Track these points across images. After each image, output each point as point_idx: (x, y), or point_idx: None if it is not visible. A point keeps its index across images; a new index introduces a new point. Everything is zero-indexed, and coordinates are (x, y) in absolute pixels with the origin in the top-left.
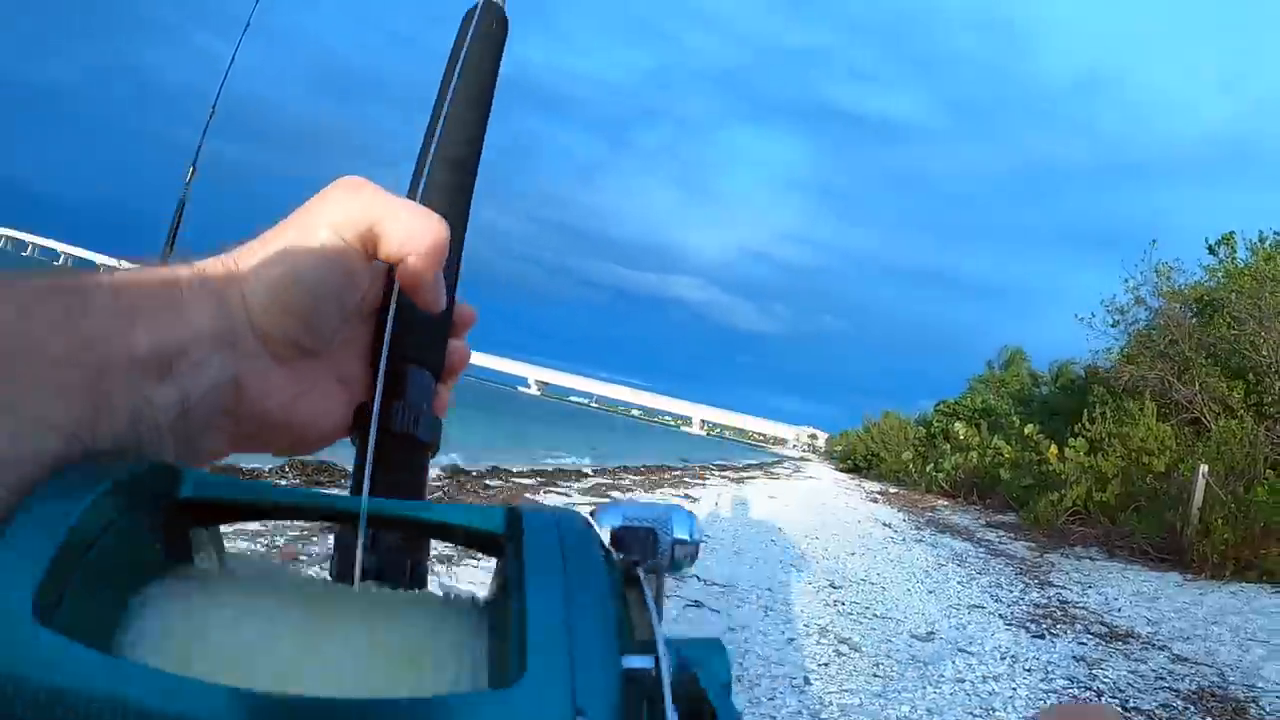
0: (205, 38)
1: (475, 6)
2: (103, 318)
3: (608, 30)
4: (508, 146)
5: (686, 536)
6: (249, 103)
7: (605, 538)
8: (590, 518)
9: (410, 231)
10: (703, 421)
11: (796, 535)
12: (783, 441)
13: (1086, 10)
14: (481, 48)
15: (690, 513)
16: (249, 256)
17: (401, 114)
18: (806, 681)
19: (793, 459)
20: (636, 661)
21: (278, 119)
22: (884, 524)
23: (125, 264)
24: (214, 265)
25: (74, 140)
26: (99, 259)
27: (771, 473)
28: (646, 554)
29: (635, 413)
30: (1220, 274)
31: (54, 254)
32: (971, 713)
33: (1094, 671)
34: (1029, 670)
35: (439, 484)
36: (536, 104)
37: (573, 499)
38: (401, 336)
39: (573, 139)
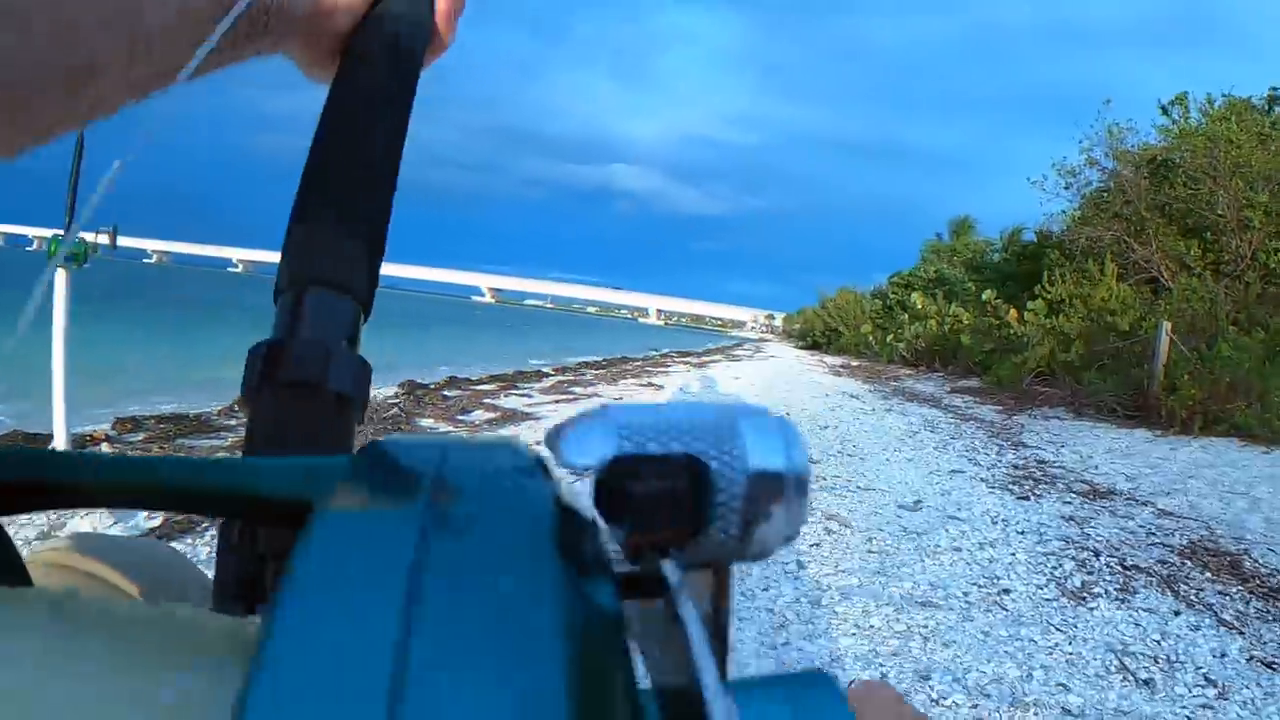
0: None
1: None
2: None
3: None
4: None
5: (780, 465)
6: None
7: (584, 490)
8: (550, 447)
9: None
10: (659, 311)
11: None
12: (741, 325)
13: None
14: None
15: (780, 417)
16: None
17: None
18: (800, 566)
19: (752, 341)
20: None
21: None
22: (851, 395)
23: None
24: None
25: None
26: (31, 231)
27: (733, 355)
28: (683, 512)
29: (591, 309)
30: (1174, 135)
31: None
32: (975, 583)
33: (1085, 530)
34: (1022, 533)
35: (395, 401)
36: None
37: (534, 399)
38: (307, 250)
39: (504, 36)
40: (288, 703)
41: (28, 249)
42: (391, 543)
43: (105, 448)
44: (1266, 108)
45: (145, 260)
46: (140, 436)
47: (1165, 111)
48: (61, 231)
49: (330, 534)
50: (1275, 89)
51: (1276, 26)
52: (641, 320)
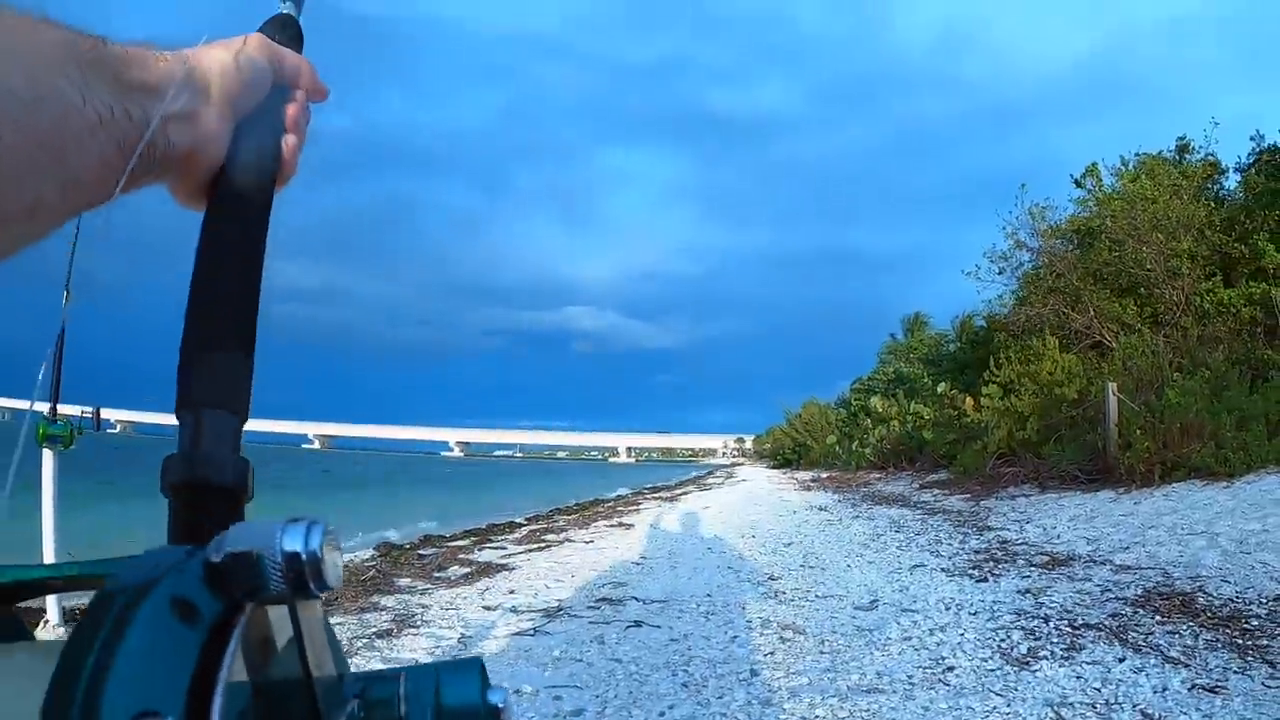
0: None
1: (269, 19)
2: (138, 59)
3: (458, 75)
4: (382, 213)
5: (298, 548)
6: (118, 215)
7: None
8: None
9: (303, 72)
10: (629, 449)
11: (732, 538)
12: (712, 452)
13: None
14: (285, 41)
15: (308, 523)
16: (207, 47)
17: None
18: (753, 673)
19: (725, 467)
20: None
21: (150, 223)
22: (819, 508)
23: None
24: (190, 49)
25: None
26: None
27: (704, 484)
28: (252, 581)
29: (562, 454)
30: (1091, 203)
31: None
32: (921, 666)
33: (1040, 600)
34: (974, 614)
35: (371, 564)
36: (404, 164)
37: (508, 550)
38: (194, 374)
39: (449, 193)
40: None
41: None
42: (110, 606)
43: None
44: (1176, 158)
45: (109, 430)
46: None
47: (1079, 184)
48: (44, 408)
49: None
50: (1181, 138)
51: (1179, 78)
52: (612, 460)
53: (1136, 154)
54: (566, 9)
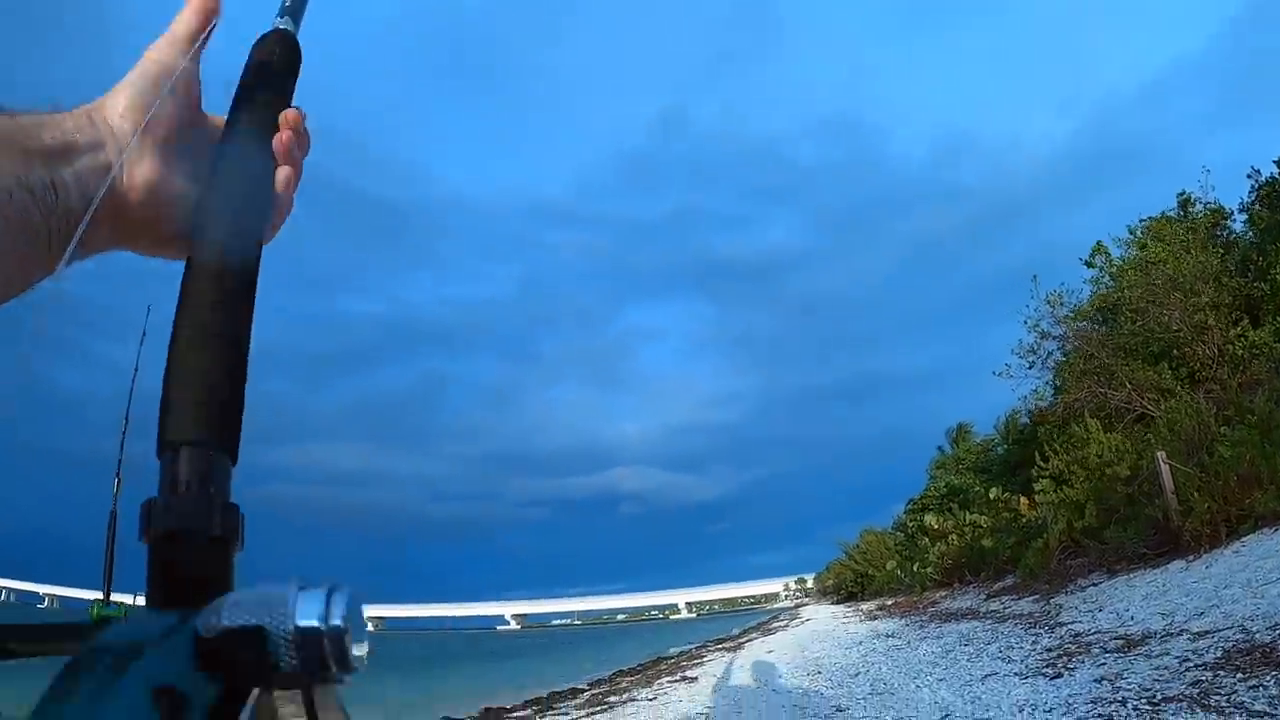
0: (103, 346)
1: (265, 35)
2: (21, 122)
3: (476, 251)
4: (415, 392)
5: (314, 622)
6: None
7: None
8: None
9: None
10: (688, 604)
11: (797, 677)
12: (775, 596)
13: (922, 89)
14: (274, 77)
15: (329, 588)
16: (109, 94)
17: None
18: None
19: (788, 609)
20: None
21: None
22: (885, 635)
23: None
24: (88, 105)
25: None
26: (42, 589)
27: (768, 629)
28: (257, 661)
29: (621, 617)
30: (1105, 279)
31: None
32: None
33: (1116, 685)
34: (1049, 711)
35: None
36: (434, 342)
37: (570, 715)
38: (175, 409)
39: (477, 367)
40: None
41: (38, 605)
42: (71, 695)
43: None
44: (1181, 214)
45: None
46: None
47: (1089, 264)
48: (100, 595)
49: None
50: (1182, 193)
51: (1165, 136)
52: (673, 617)
53: (1141, 220)
54: (573, 177)
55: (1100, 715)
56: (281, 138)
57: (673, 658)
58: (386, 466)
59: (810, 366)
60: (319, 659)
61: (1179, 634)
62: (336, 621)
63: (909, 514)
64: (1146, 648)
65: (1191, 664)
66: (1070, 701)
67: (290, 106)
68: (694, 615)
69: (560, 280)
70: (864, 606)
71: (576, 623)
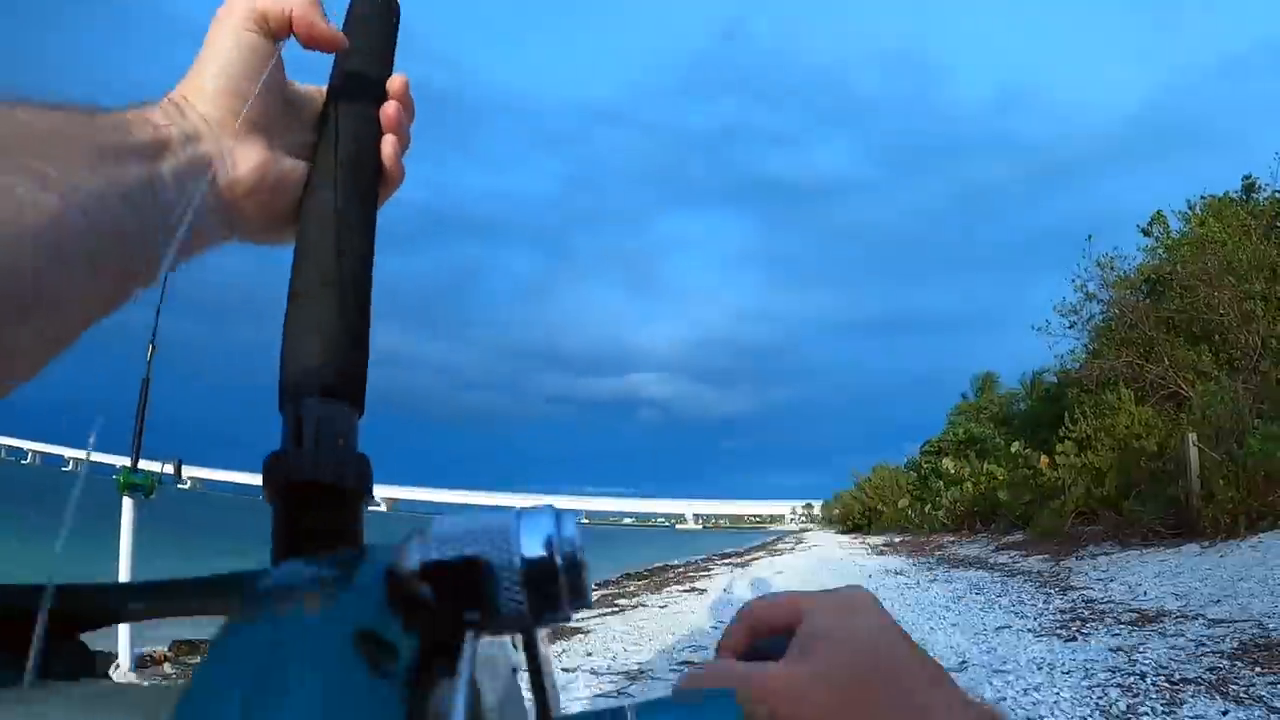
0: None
1: None
2: (116, 121)
3: (522, 144)
4: (449, 279)
5: (542, 551)
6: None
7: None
8: (397, 562)
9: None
10: (696, 515)
11: None
12: (780, 519)
13: (991, 30)
14: (374, 37)
15: (553, 509)
16: (193, 68)
17: None
18: None
19: (793, 533)
20: None
21: (235, 289)
22: (895, 573)
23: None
24: (173, 91)
25: None
26: (67, 453)
27: (774, 550)
28: (473, 601)
29: (628, 520)
30: (1159, 251)
31: (21, 453)
32: None
33: (1133, 657)
34: (1068, 673)
35: None
36: (473, 231)
37: (581, 614)
38: (302, 363)
39: (514, 259)
40: None
41: (63, 469)
42: (250, 648)
43: (167, 667)
44: (1244, 197)
45: (180, 486)
46: (197, 658)
47: (1146, 232)
48: (128, 462)
49: (222, 641)
50: (1248, 177)
51: (1239, 116)
52: (680, 526)
53: (1202, 197)
54: (626, 78)
55: (1120, 686)
56: (387, 109)
57: (680, 567)
58: (414, 350)
59: (846, 296)
60: (550, 596)
61: (1195, 618)
62: (571, 549)
63: (924, 455)
64: (1161, 625)
65: (1208, 649)
66: (1088, 667)
67: (391, 70)
68: (700, 527)
69: (603, 180)
70: (870, 540)
71: (584, 521)
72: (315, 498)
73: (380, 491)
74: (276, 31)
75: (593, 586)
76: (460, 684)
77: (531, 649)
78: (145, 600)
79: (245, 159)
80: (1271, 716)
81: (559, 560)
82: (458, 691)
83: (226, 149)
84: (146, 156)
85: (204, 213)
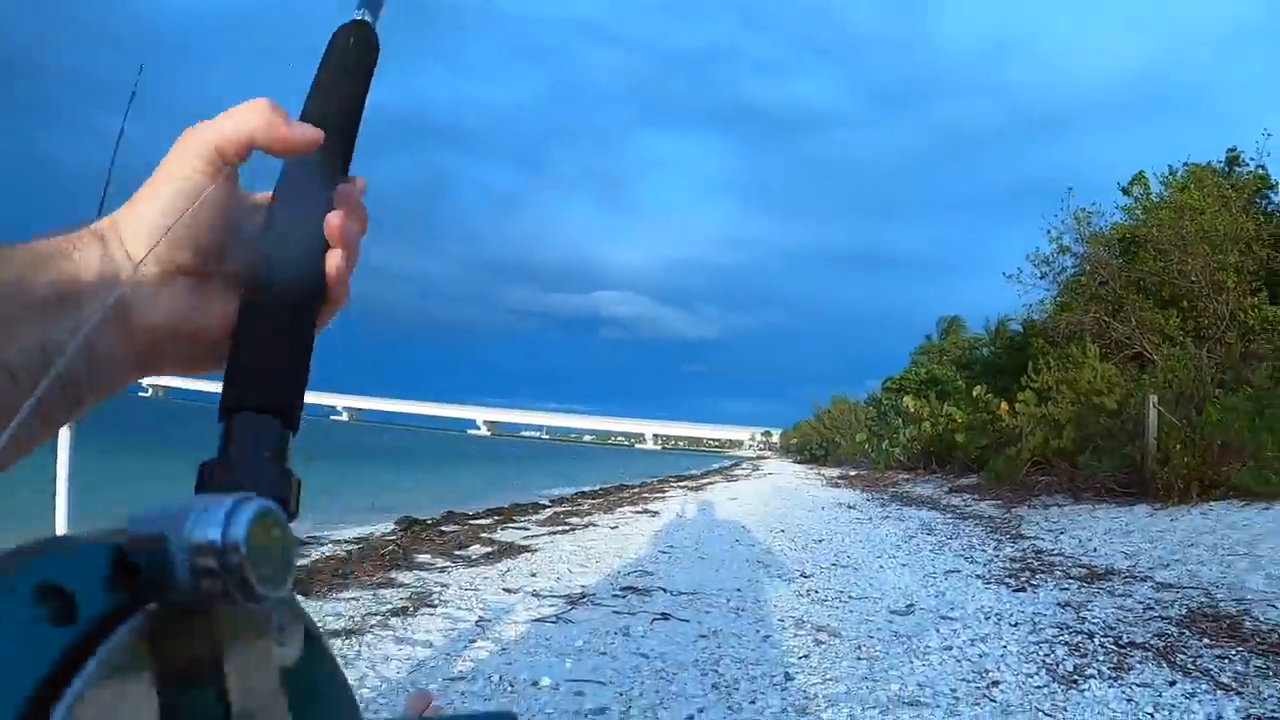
0: (105, 119)
1: (343, 26)
2: (17, 270)
3: (503, 54)
4: (420, 188)
5: (213, 537)
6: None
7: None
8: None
9: (241, 119)
10: (656, 436)
11: (761, 532)
12: (738, 444)
13: None
14: (350, 71)
15: (247, 499)
16: (131, 200)
17: None
18: (788, 677)
19: (750, 459)
20: None
21: None
22: (848, 506)
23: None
24: (107, 218)
25: None
26: None
27: (730, 475)
28: (151, 580)
29: (588, 438)
30: (1137, 211)
31: None
32: (964, 678)
33: (1081, 614)
34: (1015, 625)
35: (392, 538)
36: (446, 140)
37: (531, 531)
38: (237, 376)
39: (487, 171)
40: None
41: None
42: None
43: None
44: (1226, 169)
45: (334, 418)
46: None
47: (1126, 191)
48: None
49: None
50: (1232, 149)
51: (1230, 91)
52: (639, 446)
53: (1185, 164)
54: None
55: (1067, 644)
56: (332, 221)
57: (635, 488)
58: (380, 260)
59: (819, 228)
60: (216, 581)
61: (1143, 579)
62: (237, 538)
63: (885, 392)
64: (1110, 584)
65: (1156, 614)
66: (1036, 620)
67: (348, 162)
68: (659, 448)
69: (584, 96)
70: (826, 472)
71: (545, 436)
72: None
73: (343, 402)
74: (234, 160)
75: (289, 580)
76: (114, 640)
77: (209, 634)
78: None
79: (166, 308)
80: (1218, 693)
81: (220, 547)
82: (108, 646)
83: (145, 296)
84: (48, 309)
85: (109, 365)
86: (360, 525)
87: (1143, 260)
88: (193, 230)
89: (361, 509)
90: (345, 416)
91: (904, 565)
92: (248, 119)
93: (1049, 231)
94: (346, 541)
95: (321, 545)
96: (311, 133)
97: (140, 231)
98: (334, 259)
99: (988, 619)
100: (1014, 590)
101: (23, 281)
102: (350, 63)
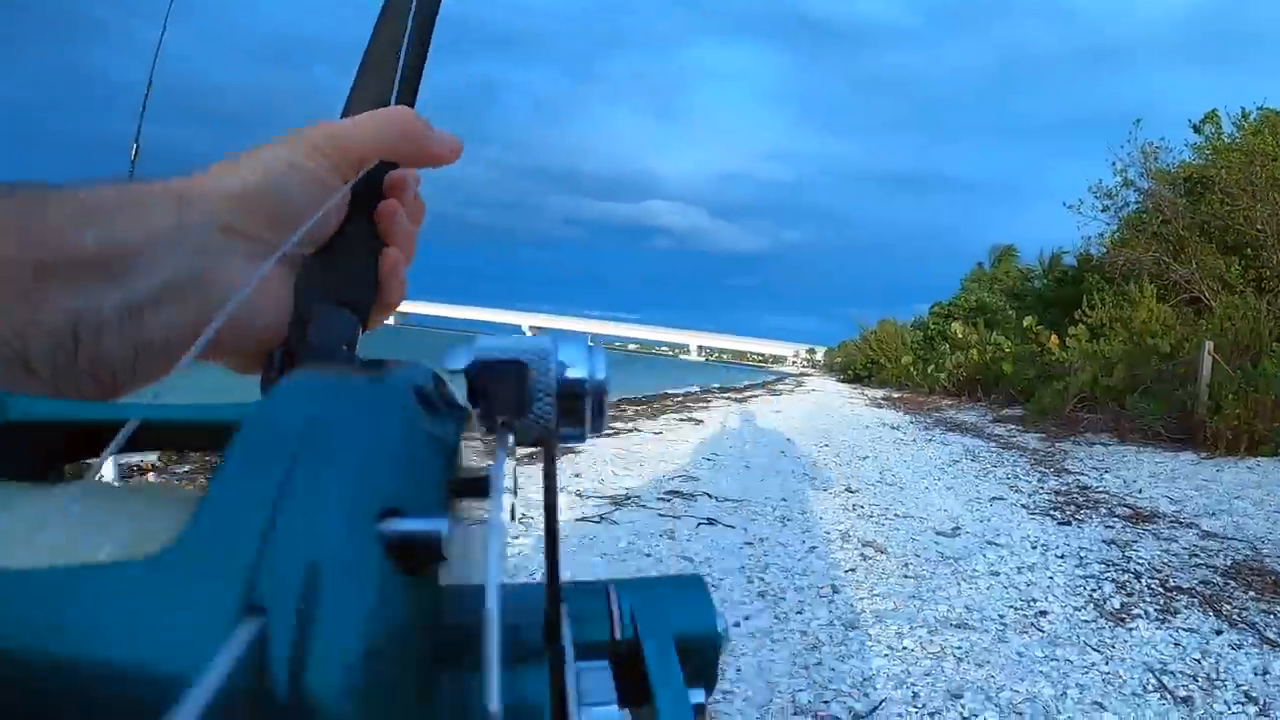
0: (145, 28)
1: (387, 6)
2: (56, 219)
3: None
4: (468, 94)
5: (583, 374)
6: (193, 83)
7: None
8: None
9: (384, 130)
10: (700, 348)
11: (806, 445)
12: (782, 360)
13: None
14: (412, 38)
15: (588, 342)
16: (221, 167)
17: (352, 66)
18: (835, 590)
19: (793, 375)
20: (410, 524)
21: (225, 96)
22: (891, 427)
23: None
24: (184, 178)
25: (35, 157)
26: None
27: (774, 389)
28: (511, 401)
29: (632, 346)
30: (1207, 151)
31: None
32: (1012, 605)
33: (1127, 554)
34: (1062, 557)
35: None
36: (494, 45)
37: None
38: (321, 272)
39: (536, 77)
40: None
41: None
42: (311, 387)
43: (152, 477)
44: None
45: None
46: (186, 467)
47: (1197, 129)
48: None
49: (256, 411)
50: None
51: None
52: (682, 357)
53: (1259, 108)
54: None
55: (1114, 582)
56: (385, 212)
57: (679, 396)
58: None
59: (873, 146)
60: (576, 414)
61: (1189, 525)
62: (602, 377)
63: (933, 317)
64: (1155, 527)
65: (1201, 562)
66: (1082, 555)
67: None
68: (703, 359)
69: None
70: (869, 392)
71: (589, 344)
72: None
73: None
74: (363, 167)
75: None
76: (500, 464)
77: (550, 462)
78: (147, 429)
79: (268, 306)
80: (1265, 648)
81: (590, 384)
82: (499, 464)
83: (226, 265)
84: (91, 272)
85: (156, 350)
86: None
87: (1209, 202)
88: (291, 210)
89: None
90: (391, 320)
91: (949, 488)
92: (389, 130)
93: (1114, 163)
94: None
95: None
96: (453, 146)
97: (242, 210)
98: (388, 260)
99: (1034, 548)
100: (1059, 523)
101: (64, 235)
102: (411, 28)
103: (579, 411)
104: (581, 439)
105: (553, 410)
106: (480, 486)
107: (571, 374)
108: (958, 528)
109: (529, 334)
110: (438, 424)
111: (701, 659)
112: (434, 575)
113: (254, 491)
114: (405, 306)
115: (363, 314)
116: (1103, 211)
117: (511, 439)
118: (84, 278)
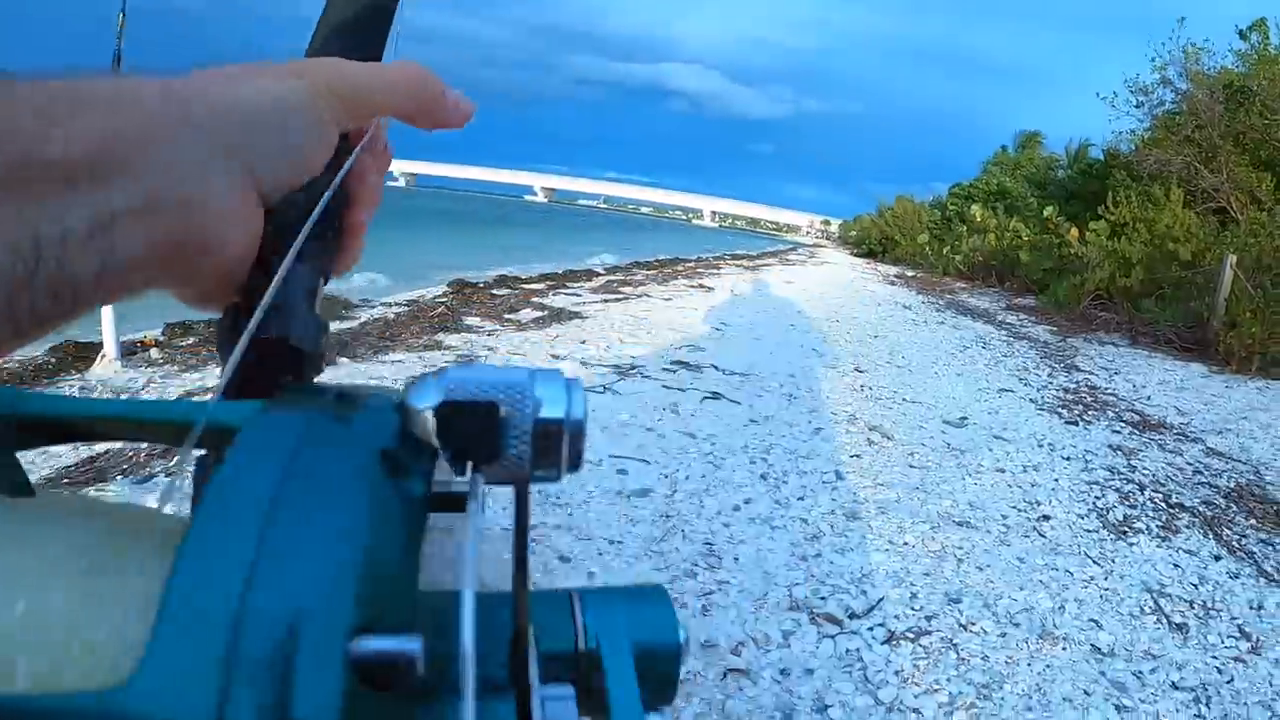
0: None
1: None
2: (25, 116)
3: None
4: None
5: (560, 412)
6: (165, 4)
7: (429, 424)
8: (407, 395)
9: (395, 83)
10: (714, 213)
11: (816, 319)
12: (796, 229)
13: None
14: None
15: (566, 375)
16: (214, 78)
17: None
18: (838, 476)
19: (807, 246)
20: (383, 643)
21: (203, 25)
22: (904, 306)
23: None
24: (182, 78)
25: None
26: None
27: (786, 259)
28: (482, 445)
29: (645, 210)
30: (1252, 59)
31: None
32: (1015, 505)
33: (1132, 462)
34: (1067, 459)
35: (442, 300)
36: None
37: (582, 298)
38: (294, 217)
39: None
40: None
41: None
42: (271, 453)
43: (155, 353)
44: None
45: (390, 184)
46: (190, 340)
47: (1243, 36)
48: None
49: (239, 446)
50: None
51: None
52: (696, 222)
53: None
54: None
55: (1118, 491)
56: (358, 167)
57: (690, 262)
58: (432, 22)
59: (901, 18)
60: (551, 455)
61: (1194, 440)
62: (579, 417)
63: (952, 197)
64: (1161, 437)
65: (1204, 481)
66: (1087, 459)
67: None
68: (716, 225)
69: None
70: (882, 269)
71: (602, 205)
72: (263, 352)
73: (399, 167)
74: (364, 120)
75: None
76: (472, 515)
77: (522, 504)
78: (107, 423)
79: (234, 237)
80: (1261, 581)
81: (568, 424)
82: (471, 519)
83: (214, 211)
84: (73, 172)
85: (121, 267)
86: (411, 289)
87: (1247, 113)
88: (282, 157)
89: (413, 272)
90: (402, 182)
91: (958, 375)
92: (400, 85)
93: (1153, 60)
94: (396, 304)
95: (371, 307)
96: (466, 109)
97: (247, 134)
98: (354, 217)
99: (1040, 446)
100: (1066, 422)
101: (34, 134)
102: None
103: (554, 452)
104: (556, 479)
105: (527, 452)
106: (457, 502)
107: (547, 413)
108: (965, 418)
109: (541, 195)
110: (405, 487)
111: (660, 670)
112: (406, 691)
113: (212, 616)
114: (414, 167)
115: (326, 268)
116: (1136, 108)
117: (481, 480)
118: (55, 185)
